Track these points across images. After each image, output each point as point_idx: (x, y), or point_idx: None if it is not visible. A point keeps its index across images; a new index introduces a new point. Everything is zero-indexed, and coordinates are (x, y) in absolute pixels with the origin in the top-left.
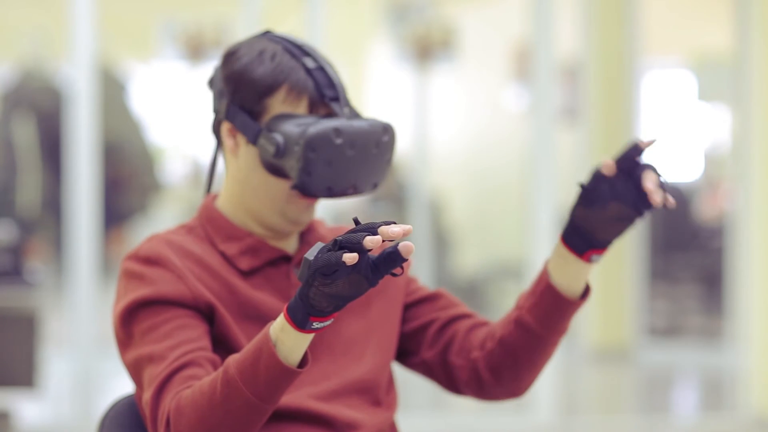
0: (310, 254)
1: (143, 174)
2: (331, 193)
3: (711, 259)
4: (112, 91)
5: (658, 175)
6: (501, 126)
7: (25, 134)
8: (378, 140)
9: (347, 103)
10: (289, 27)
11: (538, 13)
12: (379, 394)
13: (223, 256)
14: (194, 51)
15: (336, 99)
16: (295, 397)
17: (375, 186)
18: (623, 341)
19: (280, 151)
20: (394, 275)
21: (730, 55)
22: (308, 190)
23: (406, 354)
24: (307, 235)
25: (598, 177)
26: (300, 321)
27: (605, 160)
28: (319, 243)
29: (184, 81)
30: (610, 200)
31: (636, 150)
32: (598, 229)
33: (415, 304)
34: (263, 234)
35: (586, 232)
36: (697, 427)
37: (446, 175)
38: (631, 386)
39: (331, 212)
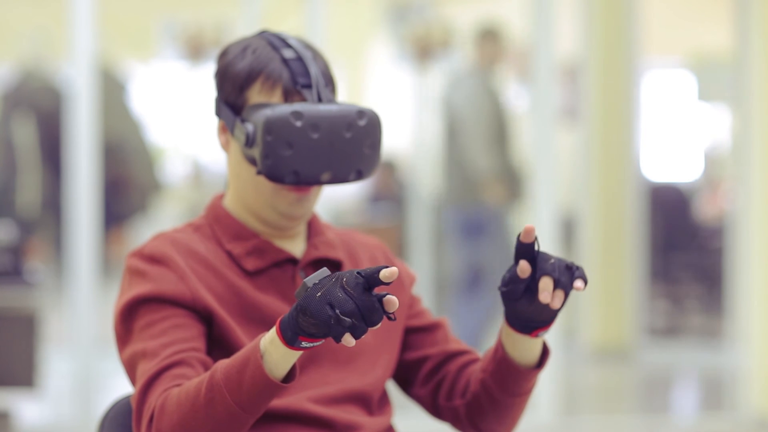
0: (311, 280)
1: (143, 174)
2: (300, 178)
3: (711, 259)
4: (112, 91)
5: (554, 272)
6: None
7: (25, 134)
8: (350, 123)
9: (324, 91)
10: (289, 27)
11: (538, 13)
12: (372, 405)
13: (229, 255)
14: (194, 51)
15: (308, 86)
16: (294, 400)
17: (360, 174)
18: (623, 341)
19: (249, 140)
20: (390, 318)
21: (730, 55)
22: (272, 175)
23: (401, 382)
24: (314, 239)
25: (514, 279)
26: (290, 338)
27: (522, 262)
28: (323, 269)
29: (184, 81)
30: (535, 292)
31: (522, 246)
32: (535, 313)
33: (416, 331)
34: (267, 232)
35: (524, 318)
36: (697, 427)
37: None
38: (631, 386)
39: (331, 212)
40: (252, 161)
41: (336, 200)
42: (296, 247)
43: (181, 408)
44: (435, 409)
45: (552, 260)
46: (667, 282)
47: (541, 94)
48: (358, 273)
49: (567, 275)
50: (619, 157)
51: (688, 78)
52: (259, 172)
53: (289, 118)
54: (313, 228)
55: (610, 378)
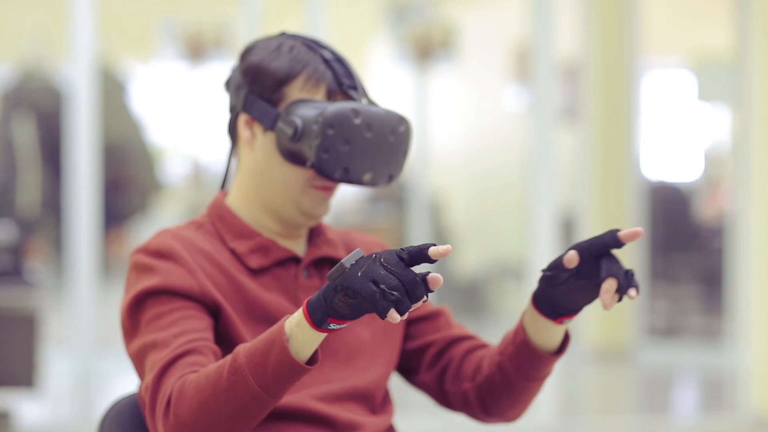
0: (348, 261)
1: (143, 174)
2: (348, 175)
3: (711, 259)
4: (112, 91)
5: (620, 276)
6: (501, 126)
7: (25, 134)
8: (394, 128)
9: (365, 93)
10: (289, 27)
11: (538, 13)
12: (375, 404)
13: (233, 253)
14: (194, 51)
15: (354, 87)
16: (297, 398)
17: (390, 178)
18: (623, 341)
19: (298, 134)
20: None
21: (730, 55)
22: (325, 169)
23: (405, 371)
24: (315, 238)
25: (559, 266)
26: (318, 320)
27: (570, 252)
28: (357, 250)
29: (184, 81)
30: (575, 281)
31: (613, 240)
32: (567, 300)
33: (417, 320)
34: (275, 231)
35: (555, 303)
36: (697, 427)
37: (446, 175)
38: (631, 386)
39: (331, 212)
40: (290, 156)
41: (336, 200)
42: (298, 247)
43: (201, 392)
44: (442, 394)
45: (618, 263)
46: (667, 282)
47: (541, 94)
48: (400, 249)
49: (625, 281)
50: (619, 156)
51: (688, 78)
52: (311, 165)
53: (349, 114)
54: (314, 228)
55: (610, 378)
